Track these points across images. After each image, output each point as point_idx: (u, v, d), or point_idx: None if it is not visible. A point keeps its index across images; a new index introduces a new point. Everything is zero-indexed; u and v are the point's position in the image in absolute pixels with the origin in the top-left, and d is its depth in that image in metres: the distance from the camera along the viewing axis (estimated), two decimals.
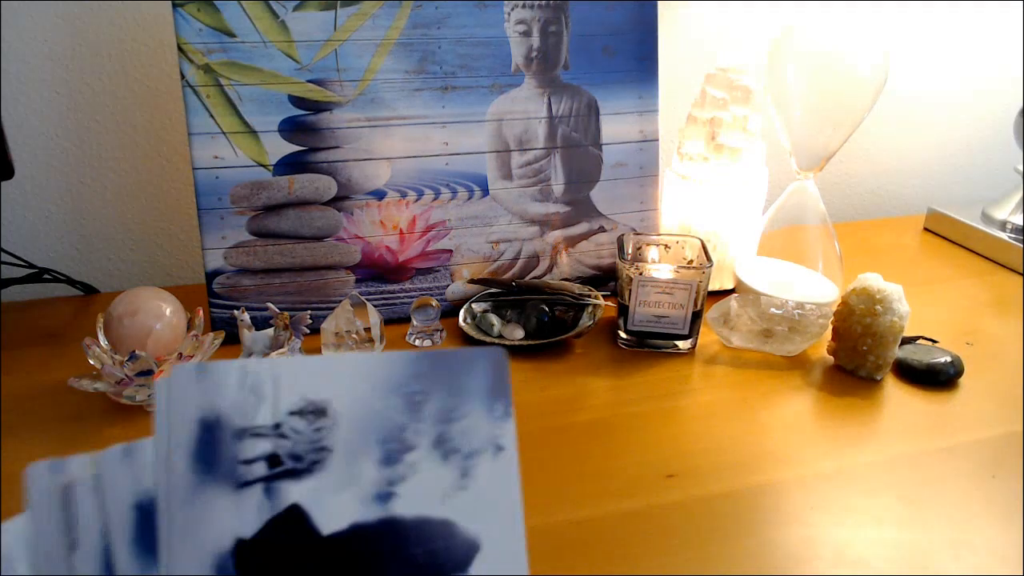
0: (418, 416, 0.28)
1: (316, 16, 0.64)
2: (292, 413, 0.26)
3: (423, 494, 0.28)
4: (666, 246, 0.70)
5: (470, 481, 0.28)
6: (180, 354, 0.56)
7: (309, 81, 0.65)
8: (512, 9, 0.69)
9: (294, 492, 0.26)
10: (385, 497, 0.27)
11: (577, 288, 0.69)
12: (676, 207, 0.76)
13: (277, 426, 0.26)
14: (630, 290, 0.65)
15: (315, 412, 0.26)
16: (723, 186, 0.73)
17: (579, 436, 0.56)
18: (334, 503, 0.26)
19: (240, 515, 0.26)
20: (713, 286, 0.76)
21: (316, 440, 0.26)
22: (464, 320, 0.68)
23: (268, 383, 0.26)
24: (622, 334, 0.67)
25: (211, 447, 0.26)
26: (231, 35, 0.63)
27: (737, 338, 0.66)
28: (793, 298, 0.66)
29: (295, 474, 0.26)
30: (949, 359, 0.64)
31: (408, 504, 0.27)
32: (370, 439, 0.27)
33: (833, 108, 0.65)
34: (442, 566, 0.27)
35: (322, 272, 0.68)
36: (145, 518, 0.26)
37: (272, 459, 0.26)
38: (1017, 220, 0.89)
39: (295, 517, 0.26)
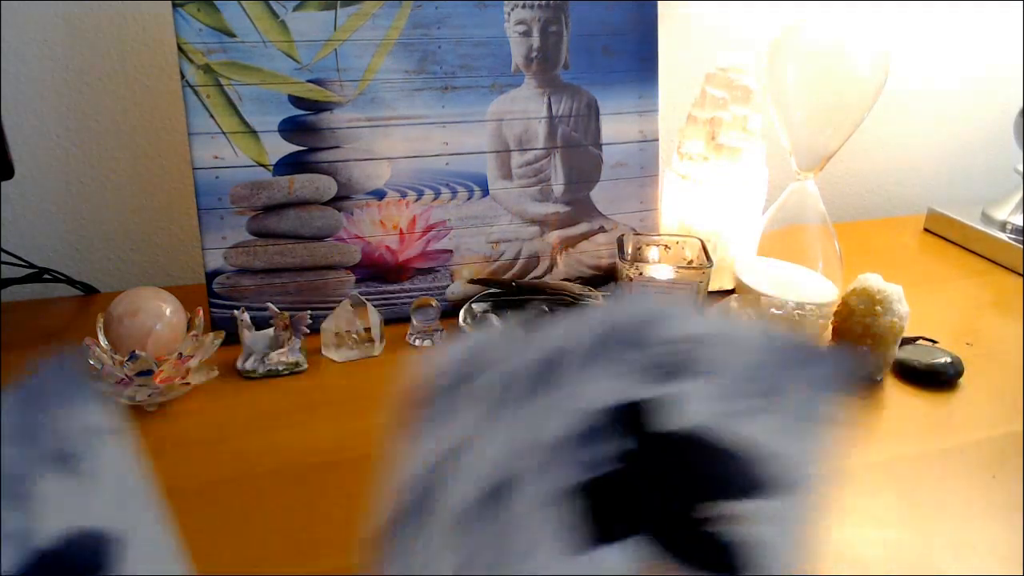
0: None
1: (316, 16, 0.64)
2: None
3: None
4: (666, 246, 0.70)
5: None
6: (180, 354, 0.56)
7: (309, 81, 0.65)
8: (512, 9, 0.69)
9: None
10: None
11: (577, 288, 0.69)
12: (676, 207, 0.76)
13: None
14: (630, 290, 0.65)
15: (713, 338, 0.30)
16: (723, 186, 0.73)
17: None
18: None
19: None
20: (713, 286, 0.76)
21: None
22: (464, 320, 0.68)
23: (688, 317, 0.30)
24: None
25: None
26: (231, 35, 0.63)
27: None
28: (793, 298, 0.66)
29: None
30: (949, 360, 0.64)
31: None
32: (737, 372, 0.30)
33: (833, 108, 0.65)
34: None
35: (322, 272, 0.68)
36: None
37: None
38: (1017, 220, 0.89)
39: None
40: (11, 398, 0.28)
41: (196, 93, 0.63)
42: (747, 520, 0.29)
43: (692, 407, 0.29)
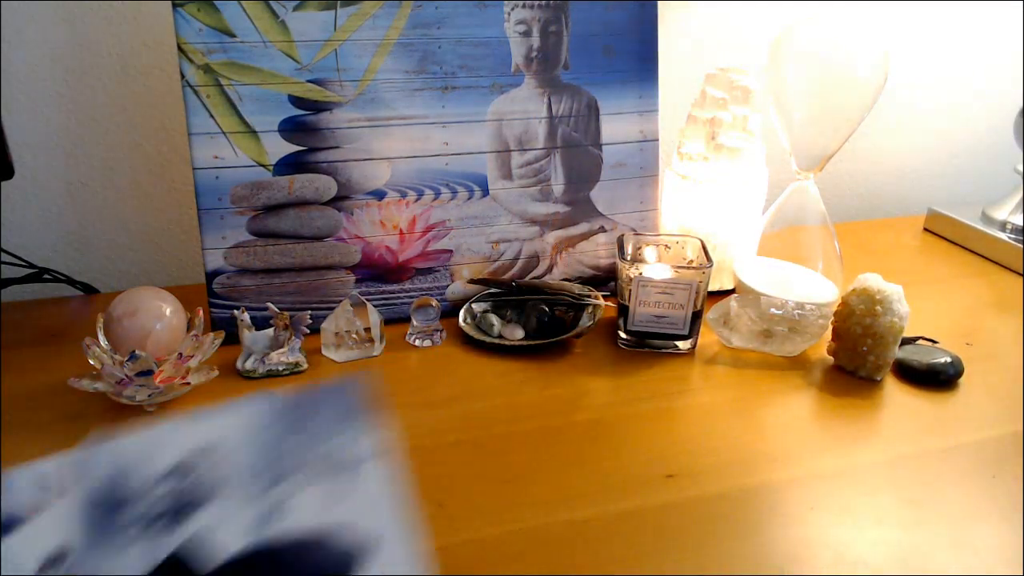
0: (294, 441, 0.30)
1: (316, 16, 0.64)
2: (187, 458, 0.29)
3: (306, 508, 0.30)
4: (666, 246, 0.70)
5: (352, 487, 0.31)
6: (180, 354, 0.56)
7: (309, 81, 0.65)
8: (512, 9, 0.69)
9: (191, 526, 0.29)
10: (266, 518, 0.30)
11: (577, 288, 0.69)
12: (676, 207, 0.76)
13: (176, 470, 0.29)
14: (630, 290, 0.65)
15: (205, 451, 0.29)
16: (723, 186, 0.73)
17: (579, 436, 0.56)
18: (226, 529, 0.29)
19: (136, 558, 0.28)
20: (713, 286, 0.76)
21: (206, 480, 0.29)
22: (464, 320, 0.68)
23: (170, 440, 0.29)
24: (622, 334, 0.67)
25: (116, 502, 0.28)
26: (231, 35, 0.63)
27: (737, 338, 0.66)
28: (793, 298, 0.66)
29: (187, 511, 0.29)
30: (949, 359, 0.64)
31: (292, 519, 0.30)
32: (252, 469, 0.30)
33: (833, 108, 0.65)
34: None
35: (322, 272, 0.68)
36: None
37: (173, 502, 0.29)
38: (1017, 220, 0.89)
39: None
40: (290, 402, 0.30)
41: (196, 93, 0.63)
42: None
43: (228, 527, 0.28)
